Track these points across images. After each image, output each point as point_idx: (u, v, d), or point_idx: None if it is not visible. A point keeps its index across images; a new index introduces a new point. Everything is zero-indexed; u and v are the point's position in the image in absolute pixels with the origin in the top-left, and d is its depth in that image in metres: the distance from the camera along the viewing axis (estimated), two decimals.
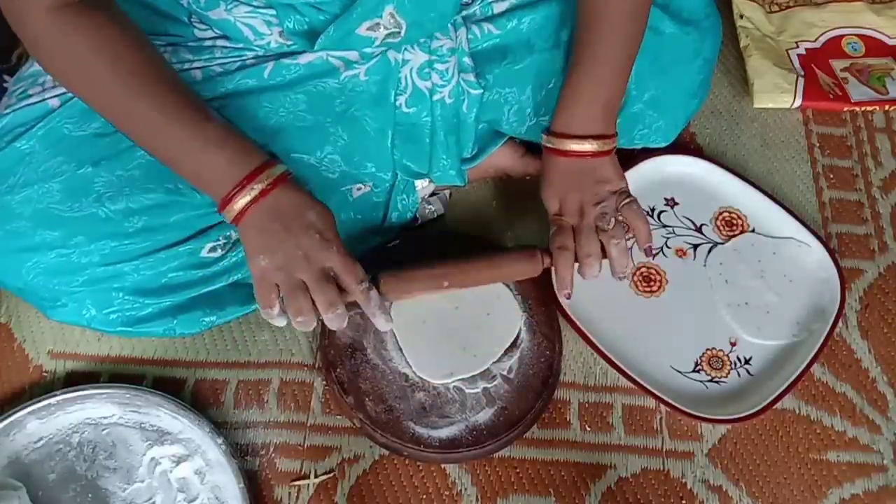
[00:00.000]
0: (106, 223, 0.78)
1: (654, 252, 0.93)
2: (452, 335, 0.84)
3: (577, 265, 0.82)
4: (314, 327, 0.73)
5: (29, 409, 0.80)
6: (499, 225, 0.97)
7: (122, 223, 0.78)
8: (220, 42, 0.83)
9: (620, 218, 0.82)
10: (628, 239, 0.82)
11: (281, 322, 0.73)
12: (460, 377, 0.83)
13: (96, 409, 0.81)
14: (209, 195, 0.73)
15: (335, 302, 0.72)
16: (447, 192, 0.99)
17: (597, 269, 0.81)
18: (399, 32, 0.80)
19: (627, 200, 0.82)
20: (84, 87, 0.71)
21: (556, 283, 0.84)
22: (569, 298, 0.82)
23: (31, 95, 0.80)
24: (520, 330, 0.86)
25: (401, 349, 0.83)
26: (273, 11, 0.78)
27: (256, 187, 0.70)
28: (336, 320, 0.73)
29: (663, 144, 0.96)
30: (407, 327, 0.84)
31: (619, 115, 0.87)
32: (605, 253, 0.81)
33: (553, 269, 0.83)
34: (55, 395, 0.81)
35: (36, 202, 0.77)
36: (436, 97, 0.85)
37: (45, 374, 0.86)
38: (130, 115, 0.71)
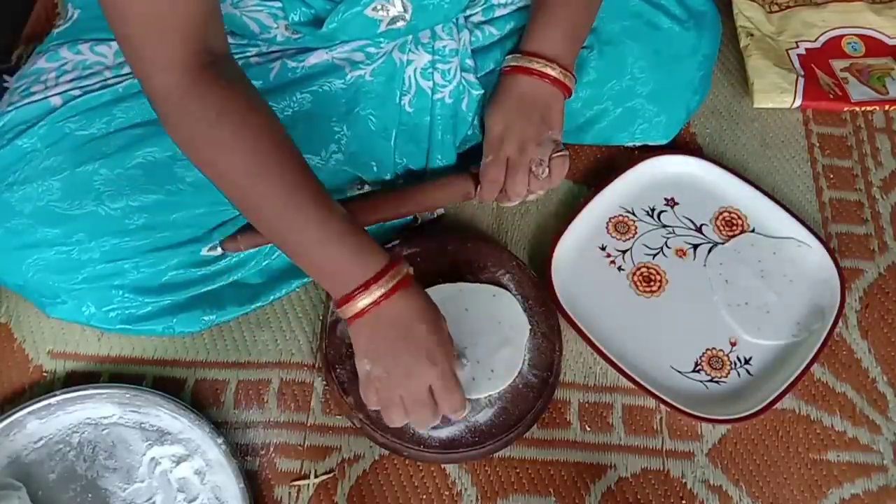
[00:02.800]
0: (106, 220, 0.78)
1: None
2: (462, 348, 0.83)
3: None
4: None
5: (29, 409, 0.80)
6: (498, 225, 0.97)
7: (122, 220, 0.78)
8: None
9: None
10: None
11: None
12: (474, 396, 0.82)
13: (96, 409, 0.81)
14: (327, 288, 0.74)
15: (429, 423, 0.74)
16: None
17: (514, 204, 0.89)
18: (404, 17, 0.80)
19: (562, 153, 0.86)
20: (207, 159, 0.68)
21: (478, 200, 0.90)
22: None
23: (33, 93, 0.81)
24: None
25: None
26: (279, 4, 0.78)
27: (378, 291, 0.69)
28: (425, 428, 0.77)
29: (664, 141, 0.96)
30: None
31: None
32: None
33: (478, 194, 0.88)
34: (55, 395, 0.81)
35: (36, 200, 0.77)
36: (436, 96, 0.85)
37: (45, 374, 0.86)
38: (255, 197, 0.69)
